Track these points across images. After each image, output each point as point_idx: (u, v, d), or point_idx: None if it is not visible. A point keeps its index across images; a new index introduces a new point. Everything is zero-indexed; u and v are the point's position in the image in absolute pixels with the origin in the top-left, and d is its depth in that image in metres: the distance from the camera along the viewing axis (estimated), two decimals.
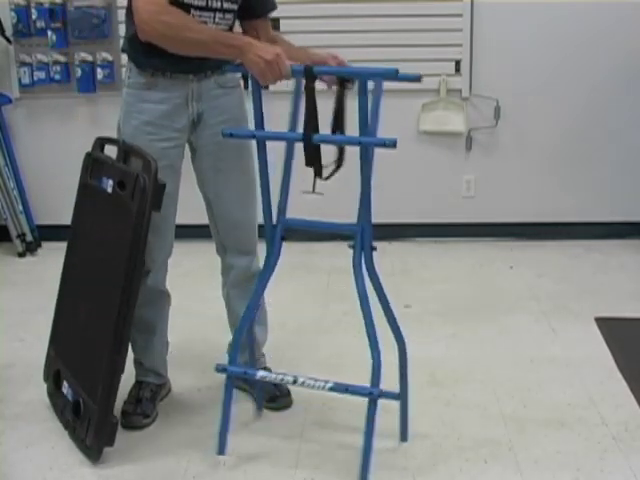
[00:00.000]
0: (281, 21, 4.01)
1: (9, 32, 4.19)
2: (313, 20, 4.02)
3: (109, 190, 2.40)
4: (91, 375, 2.35)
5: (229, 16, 2.36)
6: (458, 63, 4.13)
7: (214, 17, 2.31)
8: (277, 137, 2.25)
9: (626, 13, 4.05)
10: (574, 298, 3.50)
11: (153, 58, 2.28)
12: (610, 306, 3.38)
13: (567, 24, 4.10)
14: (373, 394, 2.15)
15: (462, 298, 3.50)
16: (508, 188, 4.21)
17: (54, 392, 2.55)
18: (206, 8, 2.28)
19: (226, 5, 2.32)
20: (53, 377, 2.56)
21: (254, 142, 2.35)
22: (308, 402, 2.63)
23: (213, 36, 2.20)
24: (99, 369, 2.31)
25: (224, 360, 2.77)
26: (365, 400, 2.62)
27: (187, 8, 2.24)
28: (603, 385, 2.72)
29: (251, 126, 2.54)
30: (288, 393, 2.62)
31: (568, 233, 4.29)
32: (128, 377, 2.66)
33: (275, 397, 2.60)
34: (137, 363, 2.63)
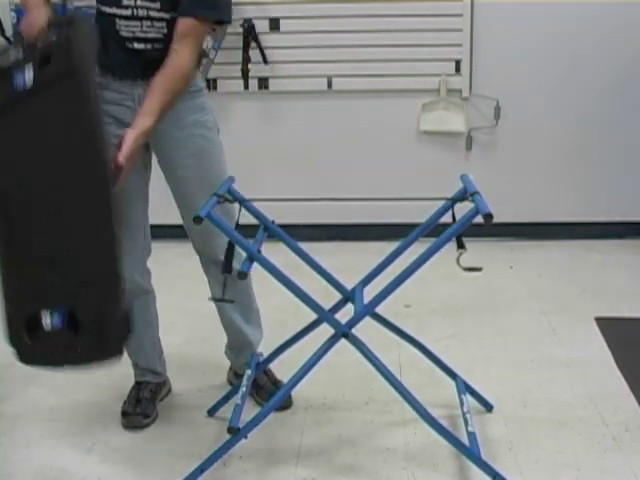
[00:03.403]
0: (281, 21, 4.02)
1: (9, 32, 4.19)
2: (313, 20, 4.02)
3: (28, 82, 1.91)
4: (84, 281, 2.07)
5: (160, 24, 2.26)
6: (458, 63, 4.13)
7: (141, 26, 2.26)
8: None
9: (626, 13, 4.04)
10: (574, 298, 3.50)
11: (103, 58, 2.21)
12: (610, 306, 3.38)
13: (567, 24, 4.09)
14: None
15: (462, 298, 3.50)
16: (508, 188, 4.21)
17: (31, 343, 2.18)
18: (132, 17, 2.24)
19: (153, 14, 2.24)
20: (26, 327, 2.19)
21: (218, 143, 2.39)
22: (308, 402, 2.63)
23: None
24: (95, 269, 2.05)
25: (223, 360, 2.78)
26: (367, 401, 2.64)
27: (112, 18, 2.24)
28: (603, 385, 2.72)
29: (222, 129, 2.49)
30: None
31: (568, 233, 4.29)
32: (128, 378, 2.67)
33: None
34: (133, 365, 2.64)
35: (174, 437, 2.46)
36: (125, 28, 2.26)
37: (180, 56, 2.22)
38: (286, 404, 2.58)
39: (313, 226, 4.14)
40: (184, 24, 2.21)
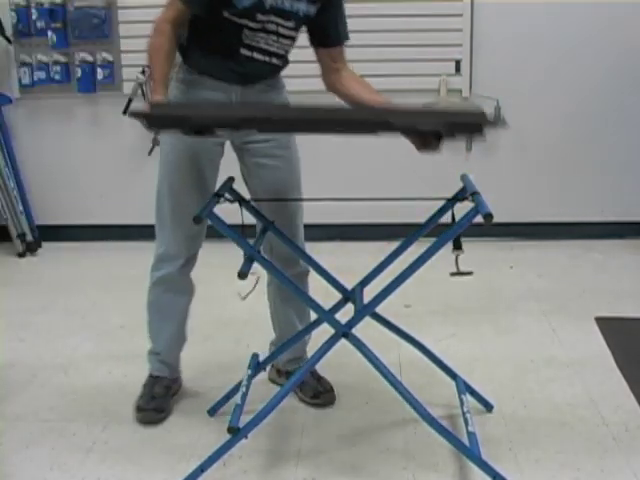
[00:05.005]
0: None
1: (9, 32, 4.19)
2: None
3: None
4: None
5: (286, 41, 2.35)
6: (458, 63, 4.13)
7: (267, 39, 2.31)
8: None
9: (625, 13, 4.05)
10: (574, 298, 3.50)
11: (202, 60, 2.32)
12: (610, 306, 3.38)
13: (567, 24, 4.10)
14: None
15: (462, 298, 3.50)
16: (508, 188, 4.21)
17: None
18: (261, 30, 2.29)
19: (282, 30, 2.31)
20: None
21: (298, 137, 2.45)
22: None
23: (154, 71, 2.24)
24: None
25: (223, 360, 2.78)
26: (367, 401, 2.64)
27: (241, 28, 2.27)
28: (603, 385, 2.72)
29: None
30: (331, 389, 2.63)
31: (568, 233, 4.29)
32: (128, 378, 2.67)
33: (319, 393, 2.61)
34: (153, 354, 2.64)
35: (174, 437, 2.46)
36: (251, 38, 2.30)
37: (351, 70, 2.53)
38: (330, 399, 2.61)
39: (313, 226, 4.14)
40: (341, 48, 2.50)
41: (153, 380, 2.63)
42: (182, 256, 2.48)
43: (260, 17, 2.25)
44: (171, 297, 2.55)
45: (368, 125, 1.98)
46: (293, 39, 2.38)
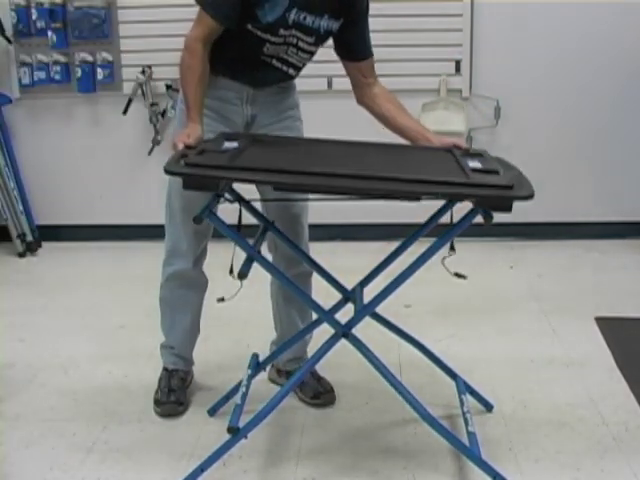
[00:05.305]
0: None
1: (9, 32, 4.19)
2: None
3: None
4: None
5: (304, 55, 2.38)
6: (458, 63, 4.13)
7: (286, 50, 2.34)
8: None
9: (626, 13, 4.05)
10: (574, 298, 3.50)
11: (219, 63, 2.33)
12: (610, 306, 3.38)
13: (567, 24, 4.10)
14: None
15: (462, 298, 3.50)
16: None
17: None
18: (282, 43, 2.32)
19: (302, 44, 2.34)
20: None
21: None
22: None
23: (187, 94, 2.27)
24: None
25: (223, 360, 2.77)
26: (367, 401, 2.64)
27: (263, 41, 2.29)
28: (603, 385, 2.72)
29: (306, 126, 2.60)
30: (331, 389, 2.64)
31: (568, 233, 4.29)
32: (128, 378, 2.67)
33: (319, 394, 2.61)
34: (167, 348, 2.65)
35: (174, 437, 2.46)
36: (272, 50, 2.33)
37: (381, 85, 2.52)
38: (330, 400, 2.61)
39: (313, 226, 4.14)
40: (369, 62, 2.47)
41: (168, 374, 2.64)
42: (193, 251, 2.50)
43: (282, 32, 2.28)
44: (185, 292, 2.57)
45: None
46: (312, 53, 2.41)
